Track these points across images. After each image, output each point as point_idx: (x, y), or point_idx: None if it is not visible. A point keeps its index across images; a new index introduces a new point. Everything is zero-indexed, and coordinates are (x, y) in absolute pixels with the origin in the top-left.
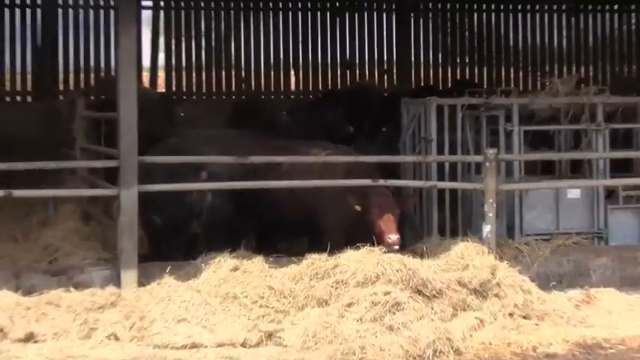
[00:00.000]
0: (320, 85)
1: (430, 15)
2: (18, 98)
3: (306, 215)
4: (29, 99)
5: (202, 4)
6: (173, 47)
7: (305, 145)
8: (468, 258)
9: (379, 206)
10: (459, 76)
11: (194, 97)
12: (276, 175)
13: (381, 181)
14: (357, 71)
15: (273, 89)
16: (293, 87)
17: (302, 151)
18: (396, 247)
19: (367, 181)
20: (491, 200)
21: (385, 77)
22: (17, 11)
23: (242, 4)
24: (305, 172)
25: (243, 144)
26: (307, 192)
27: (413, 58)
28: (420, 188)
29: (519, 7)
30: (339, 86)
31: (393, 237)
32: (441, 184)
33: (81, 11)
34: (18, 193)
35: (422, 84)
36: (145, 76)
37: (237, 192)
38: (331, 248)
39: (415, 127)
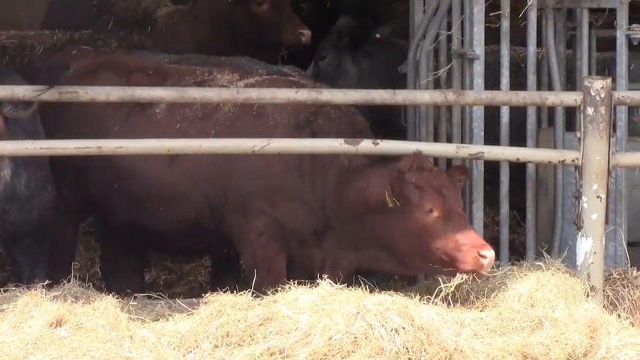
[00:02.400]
0: None
1: None
2: None
3: (209, 214)
4: None
5: None
6: None
7: (204, 64)
8: (543, 305)
9: (437, 192)
10: None
11: None
12: (142, 128)
13: (384, 143)
14: None
15: None
16: None
17: (197, 78)
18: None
19: (351, 143)
20: (595, 186)
21: None
22: None
23: None
24: (204, 124)
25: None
26: (214, 164)
27: None
28: (450, 159)
29: None
30: None
31: (488, 252)
32: (493, 152)
33: None
34: None
35: None
36: None
37: (59, 163)
38: (260, 280)
39: (438, 32)
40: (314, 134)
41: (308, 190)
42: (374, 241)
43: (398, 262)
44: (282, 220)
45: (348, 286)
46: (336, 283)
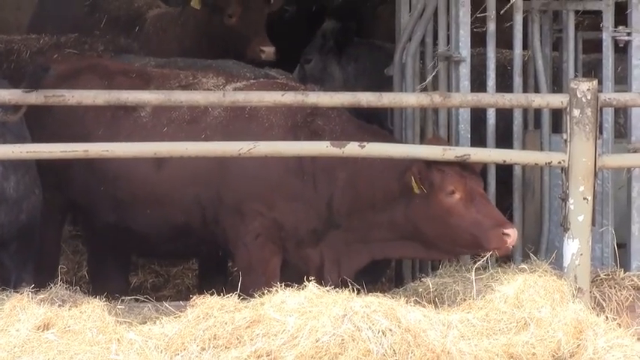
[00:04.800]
0: None
1: None
2: None
3: (200, 217)
4: None
5: None
6: None
7: (190, 67)
8: (529, 306)
9: (458, 174)
10: None
11: None
12: (127, 132)
13: (370, 145)
14: None
15: None
16: None
17: (182, 82)
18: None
19: (337, 146)
20: (582, 188)
21: None
22: None
23: None
24: (193, 127)
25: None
26: (206, 166)
27: None
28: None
29: None
30: None
31: (512, 230)
32: (480, 154)
33: None
34: None
35: None
36: None
37: (41, 166)
38: (253, 282)
39: (424, 34)
40: (314, 134)
41: (310, 190)
42: (394, 230)
43: (422, 247)
44: (281, 221)
45: (351, 284)
46: (339, 282)
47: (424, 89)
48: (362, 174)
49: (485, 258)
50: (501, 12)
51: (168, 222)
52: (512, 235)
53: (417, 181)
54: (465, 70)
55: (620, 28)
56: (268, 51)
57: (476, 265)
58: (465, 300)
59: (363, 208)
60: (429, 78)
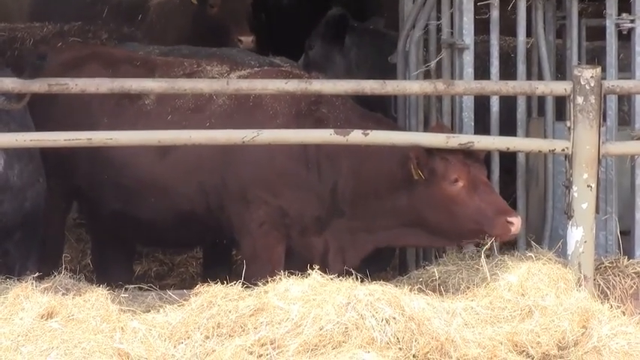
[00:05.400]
0: None
1: None
2: None
3: (204, 204)
4: None
5: None
6: None
7: (195, 55)
8: (533, 294)
9: (462, 162)
10: None
11: None
12: (132, 120)
13: (374, 133)
14: None
15: None
16: None
17: (186, 70)
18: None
19: (341, 134)
20: (586, 176)
21: None
22: None
23: None
24: (198, 116)
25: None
26: (211, 154)
27: None
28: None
29: None
30: None
31: (516, 219)
32: (483, 141)
33: None
34: None
35: None
36: None
37: (44, 154)
38: (258, 270)
39: (428, 22)
40: (319, 122)
41: (314, 177)
42: (398, 218)
43: (425, 235)
44: (286, 208)
45: (354, 273)
46: (344, 270)
47: (427, 72)
48: (365, 162)
49: (488, 244)
50: (508, 3)
51: (173, 210)
52: (515, 223)
53: (416, 167)
54: (468, 58)
55: (624, 15)
56: (246, 40)
57: (483, 251)
58: (468, 288)
59: (366, 195)
60: (433, 62)
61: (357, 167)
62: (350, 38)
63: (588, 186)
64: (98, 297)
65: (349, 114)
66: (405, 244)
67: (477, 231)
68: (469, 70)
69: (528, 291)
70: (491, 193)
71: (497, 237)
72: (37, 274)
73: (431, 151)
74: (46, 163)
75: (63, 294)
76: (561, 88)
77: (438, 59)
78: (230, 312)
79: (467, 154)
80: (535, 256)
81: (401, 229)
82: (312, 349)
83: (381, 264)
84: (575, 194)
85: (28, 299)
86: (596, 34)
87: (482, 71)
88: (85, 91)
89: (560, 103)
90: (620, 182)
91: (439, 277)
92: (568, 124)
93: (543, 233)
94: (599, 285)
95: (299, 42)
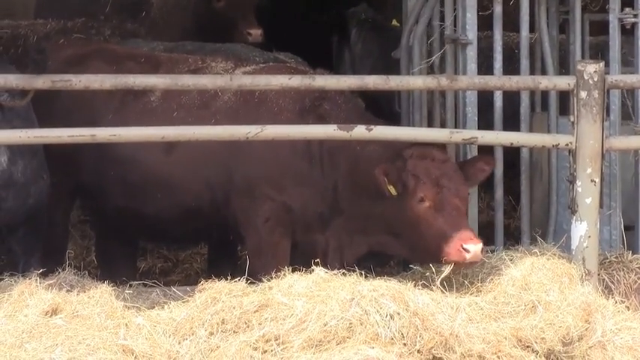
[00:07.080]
0: None
1: None
2: None
3: (210, 200)
4: None
5: None
6: None
7: (199, 51)
8: (537, 289)
9: (433, 182)
10: None
11: None
12: (137, 116)
13: (378, 128)
14: None
15: None
16: None
17: (191, 66)
18: (476, 262)
19: (344, 129)
20: (589, 170)
21: None
22: None
23: None
24: (203, 112)
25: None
26: (217, 150)
27: None
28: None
29: None
30: None
31: (473, 246)
32: (487, 136)
33: None
34: None
35: None
36: None
37: (48, 150)
38: (263, 266)
39: (431, 17)
40: (320, 119)
41: (317, 174)
42: (383, 225)
43: (402, 247)
44: (290, 203)
45: (354, 270)
46: (341, 269)
47: (430, 68)
48: (359, 163)
49: (446, 271)
50: None
51: (179, 205)
52: (472, 250)
53: (385, 184)
54: (472, 53)
55: (627, 10)
56: (255, 33)
57: (438, 279)
58: (472, 283)
59: (360, 197)
60: (436, 55)
61: (353, 168)
62: (355, 33)
63: (592, 181)
64: (102, 293)
65: (349, 114)
66: (394, 251)
67: (434, 252)
68: (472, 65)
69: (532, 286)
70: (457, 217)
71: (453, 262)
72: (41, 270)
73: (404, 167)
74: (50, 159)
75: (67, 290)
76: (565, 82)
77: (440, 54)
78: (234, 308)
79: (448, 175)
80: (539, 251)
81: (386, 237)
82: (316, 345)
83: (384, 257)
84: (579, 189)
85: (32, 296)
86: (600, 28)
87: (485, 66)
88: (88, 88)
89: (564, 97)
90: (624, 177)
91: (450, 271)
92: (571, 118)
93: (547, 228)
94: (604, 280)
95: (298, 34)
